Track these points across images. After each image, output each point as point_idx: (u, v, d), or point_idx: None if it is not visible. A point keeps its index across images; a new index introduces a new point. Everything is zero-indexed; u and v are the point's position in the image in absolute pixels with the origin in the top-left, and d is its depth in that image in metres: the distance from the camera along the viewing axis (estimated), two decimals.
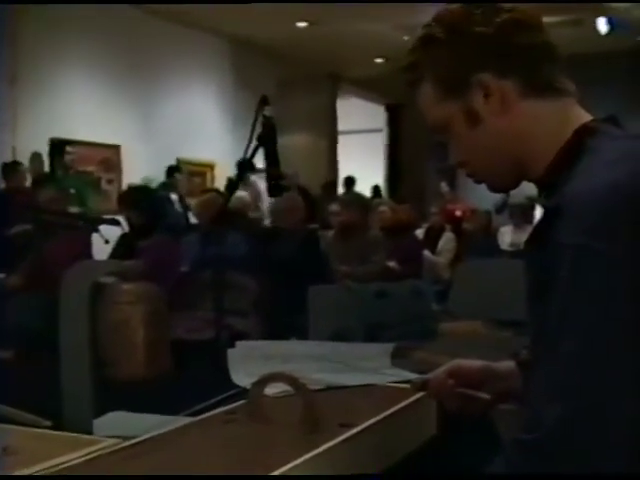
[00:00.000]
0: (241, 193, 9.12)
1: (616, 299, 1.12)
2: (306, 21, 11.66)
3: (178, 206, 9.67)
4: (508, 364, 1.62)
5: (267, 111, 2.22)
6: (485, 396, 1.62)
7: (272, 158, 2.23)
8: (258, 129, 2.21)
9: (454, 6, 1.36)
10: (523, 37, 1.32)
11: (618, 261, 1.12)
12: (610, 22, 11.48)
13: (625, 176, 1.16)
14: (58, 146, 8.68)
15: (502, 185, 1.44)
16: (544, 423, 1.13)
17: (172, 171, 10.09)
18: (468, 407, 1.63)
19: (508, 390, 1.60)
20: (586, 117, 1.34)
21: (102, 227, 5.55)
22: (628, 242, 1.12)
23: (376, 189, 14.21)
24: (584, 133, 1.29)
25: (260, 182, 9.77)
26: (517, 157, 1.36)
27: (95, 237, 5.71)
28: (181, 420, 1.72)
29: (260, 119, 2.22)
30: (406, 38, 10.56)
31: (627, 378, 1.12)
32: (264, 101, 2.22)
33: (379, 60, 14.05)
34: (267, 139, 2.21)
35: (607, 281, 1.12)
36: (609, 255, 1.12)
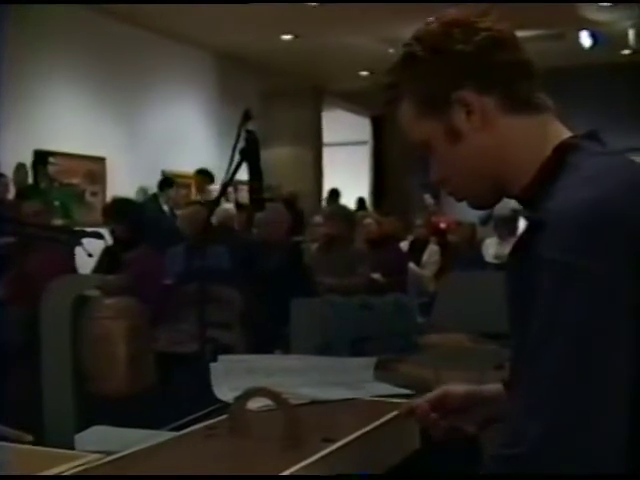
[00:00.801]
0: (226, 206, 9.10)
1: (598, 315, 1.13)
2: (291, 34, 11.68)
3: (170, 215, 9.69)
4: (496, 387, 1.62)
5: (250, 125, 2.23)
6: (470, 429, 1.62)
7: (255, 172, 2.23)
8: (241, 143, 2.22)
9: (433, 25, 1.38)
10: (502, 55, 1.34)
11: (599, 277, 1.13)
12: (593, 36, 11.56)
13: (605, 192, 1.17)
14: (42, 158, 8.66)
15: (483, 202, 1.45)
16: (526, 439, 1.14)
17: (164, 184, 10.11)
18: (454, 435, 1.63)
19: (495, 415, 1.59)
20: (566, 133, 1.35)
21: (85, 240, 5.53)
22: (608, 258, 1.13)
23: (361, 201, 14.24)
24: (564, 149, 1.30)
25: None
26: (498, 173, 1.37)
27: (79, 250, 5.68)
28: (163, 435, 1.71)
29: (243, 134, 2.23)
30: (391, 51, 10.59)
31: (609, 394, 1.12)
32: (247, 116, 2.23)
33: (364, 73, 14.08)
34: (250, 153, 2.21)
35: (588, 297, 1.13)
36: (590, 272, 1.13)
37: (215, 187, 9.86)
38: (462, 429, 1.62)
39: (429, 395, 1.67)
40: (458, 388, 1.66)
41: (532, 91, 1.36)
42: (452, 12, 1.38)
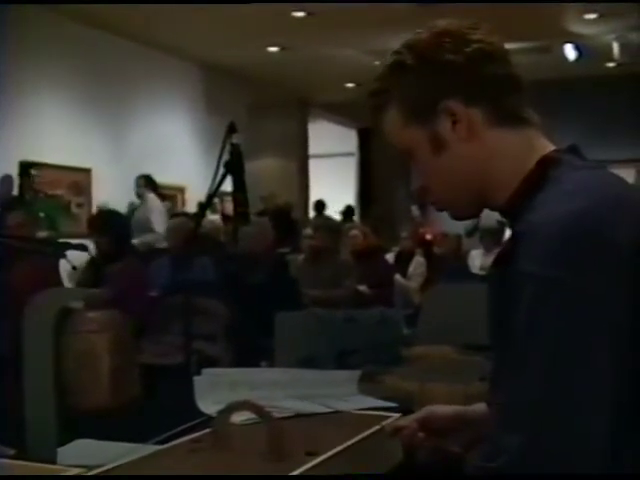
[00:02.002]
0: (212, 217, 9.08)
1: (577, 328, 1.13)
2: (277, 46, 11.71)
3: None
4: (480, 407, 1.61)
5: (234, 138, 2.23)
6: (456, 449, 1.62)
7: (239, 185, 2.23)
8: (226, 156, 2.22)
9: (424, 34, 1.38)
10: (491, 67, 1.34)
11: (578, 290, 1.13)
12: (578, 49, 11.63)
13: (586, 206, 1.17)
14: (27, 169, 8.62)
15: (464, 212, 1.45)
16: (505, 451, 1.14)
17: None
18: (439, 457, 1.63)
19: (481, 435, 1.57)
20: (549, 147, 1.36)
21: (70, 252, 5.51)
22: (588, 271, 1.13)
23: (346, 213, 14.24)
24: (547, 163, 1.31)
25: (156, 200, 9.57)
26: (480, 185, 1.37)
27: (63, 262, 5.66)
28: (147, 448, 1.70)
29: (227, 146, 2.23)
30: (377, 63, 10.61)
31: (589, 406, 1.13)
32: (231, 129, 2.23)
33: (350, 85, 14.12)
34: (234, 166, 2.21)
35: (567, 311, 1.13)
36: (569, 285, 1.13)
37: (151, 195, 9.56)
38: (447, 450, 1.62)
39: (414, 415, 1.67)
40: (443, 409, 1.66)
41: (519, 105, 1.36)
42: (444, 23, 1.38)
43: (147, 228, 8.93)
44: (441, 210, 1.45)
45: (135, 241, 8.12)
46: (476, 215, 1.44)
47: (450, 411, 1.65)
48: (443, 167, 1.38)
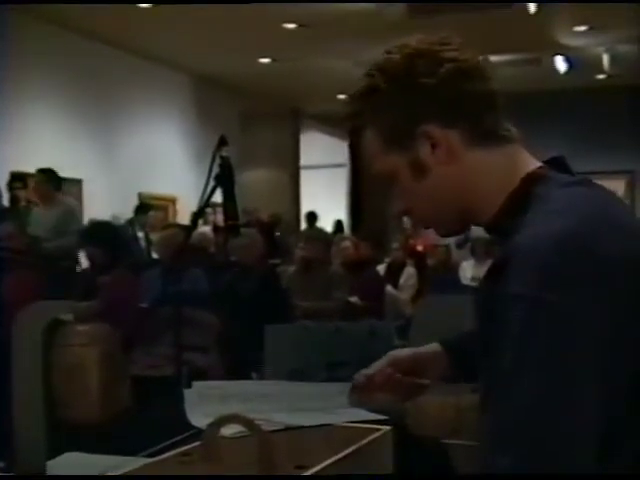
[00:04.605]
0: (203, 228, 9.08)
1: (567, 349, 1.12)
2: (269, 57, 11.74)
3: (143, 242, 9.62)
4: (433, 347, 1.72)
5: (225, 151, 2.24)
6: (426, 382, 1.71)
7: (229, 198, 2.24)
8: (216, 169, 2.23)
9: (396, 56, 1.34)
10: (467, 86, 1.31)
11: (568, 311, 1.12)
12: (568, 60, 11.69)
13: (572, 226, 1.17)
14: (19, 179, 8.61)
15: (449, 231, 1.44)
16: (496, 473, 1.13)
17: (141, 209, 10.03)
18: (415, 393, 1.74)
19: (437, 373, 1.71)
20: (533, 163, 1.34)
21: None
22: (577, 291, 1.12)
23: (338, 224, 14.26)
24: (532, 181, 1.30)
25: (68, 200, 9.37)
26: (464, 204, 1.36)
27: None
28: (136, 461, 1.70)
29: (217, 159, 2.23)
30: None
31: (579, 428, 1.12)
32: (222, 141, 2.24)
33: (341, 96, 14.14)
34: (224, 179, 2.22)
35: (557, 331, 1.12)
36: (558, 305, 1.12)
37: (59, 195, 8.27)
38: (418, 383, 1.71)
39: (380, 363, 1.73)
40: (403, 351, 1.74)
41: (499, 121, 1.34)
42: (414, 41, 1.35)
43: (62, 231, 7.72)
44: (427, 228, 1.45)
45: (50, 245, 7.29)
46: (461, 232, 1.44)
47: (408, 352, 1.74)
48: (426, 190, 1.36)
